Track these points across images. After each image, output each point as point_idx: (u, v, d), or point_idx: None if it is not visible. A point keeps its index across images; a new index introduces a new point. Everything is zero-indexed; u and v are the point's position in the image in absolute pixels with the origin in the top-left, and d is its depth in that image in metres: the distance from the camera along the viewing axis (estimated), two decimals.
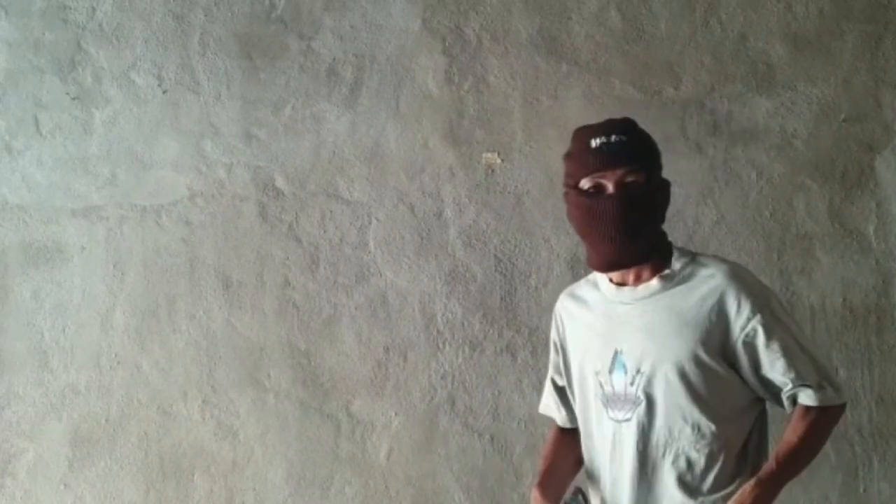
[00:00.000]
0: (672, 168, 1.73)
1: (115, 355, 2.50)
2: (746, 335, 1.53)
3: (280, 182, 2.52)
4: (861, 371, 2.35)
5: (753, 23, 2.46)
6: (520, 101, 2.48)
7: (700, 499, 1.53)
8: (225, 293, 2.50)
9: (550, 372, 1.79)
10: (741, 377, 1.56)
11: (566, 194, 1.61)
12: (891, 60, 2.43)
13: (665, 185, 1.62)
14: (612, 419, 1.59)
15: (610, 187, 1.54)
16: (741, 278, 1.56)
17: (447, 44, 2.52)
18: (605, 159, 1.54)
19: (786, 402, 1.57)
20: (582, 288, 1.72)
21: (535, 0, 2.51)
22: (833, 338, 2.36)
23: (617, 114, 1.70)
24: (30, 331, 2.52)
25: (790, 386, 1.54)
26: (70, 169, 2.57)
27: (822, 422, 1.55)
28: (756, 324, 1.53)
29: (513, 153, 2.47)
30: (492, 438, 2.40)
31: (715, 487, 1.54)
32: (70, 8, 2.61)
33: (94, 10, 2.60)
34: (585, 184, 1.56)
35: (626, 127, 1.59)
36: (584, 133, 1.60)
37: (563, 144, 1.53)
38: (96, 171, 2.56)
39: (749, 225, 2.39)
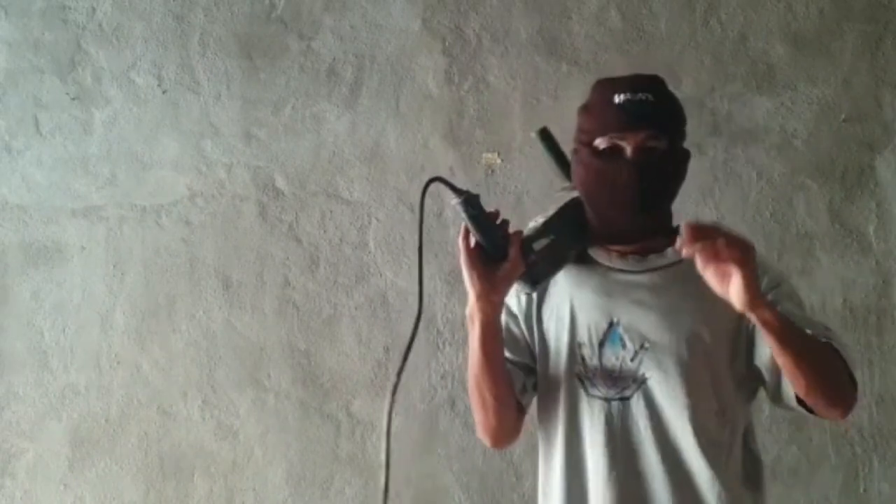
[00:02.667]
0: None
1: (115, 355, 2.49)
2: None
3: (280, 182, 2.52)
4: (861, 371, 2.34)
5: (753, 23, 2.45)
6: (520, 101, 2.48)
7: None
8: (225, 293, 2.50)
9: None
10: (744, 361, 1.42)
11: (576, 151, 1.46)
12: (891, 60, 2.42)
13: (685, 157, 1.48)
14: (594, 396, 1.43)
15: (628, 150, 1.39)
16: (762, 258, 1.39)
17: (447, 44, 2.52)
18: (626, 118, 1.39)
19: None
20: None
21: (535, 0, 2.51)
22: None
23: None
24: (30, 331, 2.52)
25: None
26: (70, 169, 2.56)
27: (830, 350, 1.32)
28: (773, 294, 1.39)
29: (513, 153, 2.47)
30: None
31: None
32: (70, 8, 2.61)
33: (94, 10, 2.60)
34: (601, 143, 1.41)
35: (654, 85, 1.44)
36: (606, 86, 1.45)
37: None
38: (96, 171, 2.56)
39: (749, 225, 2.39)
